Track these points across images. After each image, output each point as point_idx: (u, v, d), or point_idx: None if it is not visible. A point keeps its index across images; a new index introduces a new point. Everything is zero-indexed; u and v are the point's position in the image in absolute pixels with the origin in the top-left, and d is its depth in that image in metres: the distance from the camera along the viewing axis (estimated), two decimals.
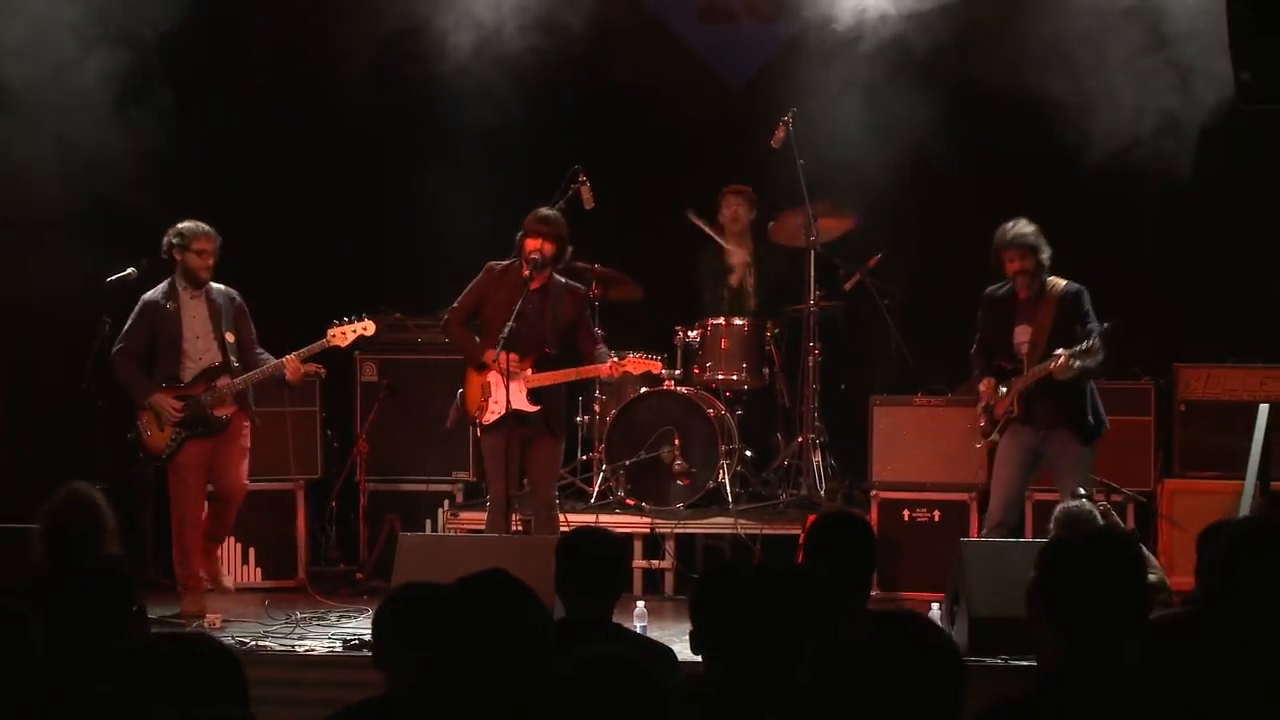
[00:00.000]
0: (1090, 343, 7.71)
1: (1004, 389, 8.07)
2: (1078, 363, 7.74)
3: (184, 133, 9.41)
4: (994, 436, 8.15)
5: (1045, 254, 8.02)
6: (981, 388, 8.20)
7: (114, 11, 8.95)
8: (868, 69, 9.96)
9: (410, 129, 10.36)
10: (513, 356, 8.01)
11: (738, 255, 10.11)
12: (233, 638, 7.61)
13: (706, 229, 10.06)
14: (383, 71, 10.19)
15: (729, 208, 10.16)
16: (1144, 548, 8.02)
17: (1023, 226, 8.03)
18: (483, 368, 8.15)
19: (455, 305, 8.34)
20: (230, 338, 8.35)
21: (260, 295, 8.91)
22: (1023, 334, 8.08)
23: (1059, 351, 7.79)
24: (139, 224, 8.99)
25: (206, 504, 8.51)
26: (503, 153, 10.24)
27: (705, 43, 10.88)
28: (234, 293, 8.49)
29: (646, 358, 8.44)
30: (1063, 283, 8.05)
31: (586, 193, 9.34)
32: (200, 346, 8.34)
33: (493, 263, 8.32)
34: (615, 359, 8.30)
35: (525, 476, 8.30)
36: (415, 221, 10.28)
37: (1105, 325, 7.79)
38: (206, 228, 8.33)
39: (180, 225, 8.33)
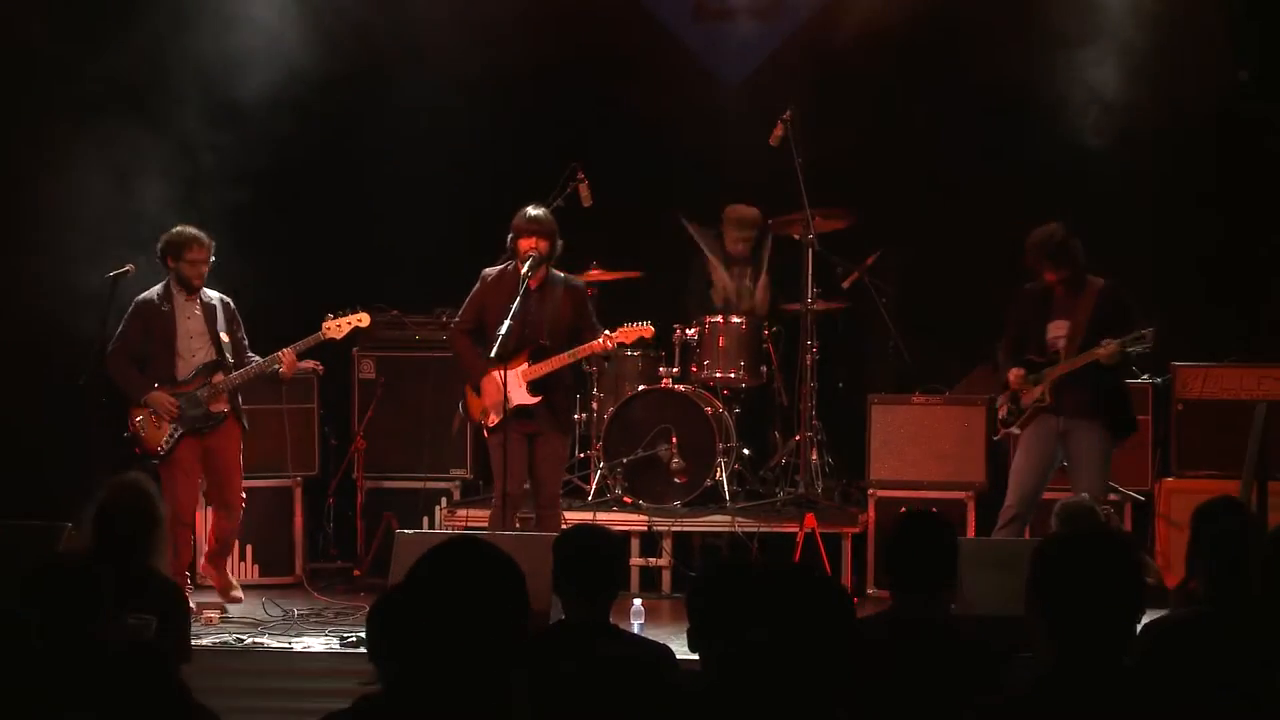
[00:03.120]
0: (1145, 332, 7.71)
1: (1034, 380, 8.03)
2: (1130, 350, 7.74)
3: (183, 130, 9.41)
4: (1014, 429, 8.12)
5: (1079, 256, 7.96)
6: (1010, 376, 8.10)
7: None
8: (866, 66, 9.97)
9: (407, 127, 10.34)
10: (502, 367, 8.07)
11: (724, 281, 10.12)
12: (230, 635, 7.62)
13: (696, 237, 10.07)
14: (380, 70, 10.18)
15: (734, 242, 10.13)
16: (1142, 551, 8.08)
17: (1052, 232, 7.96)
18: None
19: (458, 319, 8.40)
20: (226, 338, 8.39)
21: (257, 294, 8.92)
22: (1058, 328, 8.01)
23: (1108, 340, 7.77)
24: (137, 221, 8.99)
25: (212, 526, 8.60)
26: (500, 150, 10.24)
27: (701, 41, 10.88)
28: (227, 298, 8.53)
29: (637, 325, 8.43)
30: (1101, 280, 8.00)
31: (585, 190, 9.36)
32: (195, 346, 8.39)
33: (487, 270, 8.35)
34: (607, 332, 8.29)
35: (531, 474, 8.28)
36: (413, 219, 10.27)
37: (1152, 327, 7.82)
38: (199, 234, 8.36)
39: (173, 231, 8.37)
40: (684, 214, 10.14)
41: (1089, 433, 7.94)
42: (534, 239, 8.11)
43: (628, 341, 8.53)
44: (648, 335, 8.57)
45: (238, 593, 8.62)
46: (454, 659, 2.93)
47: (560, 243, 8.25)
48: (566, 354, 8.23)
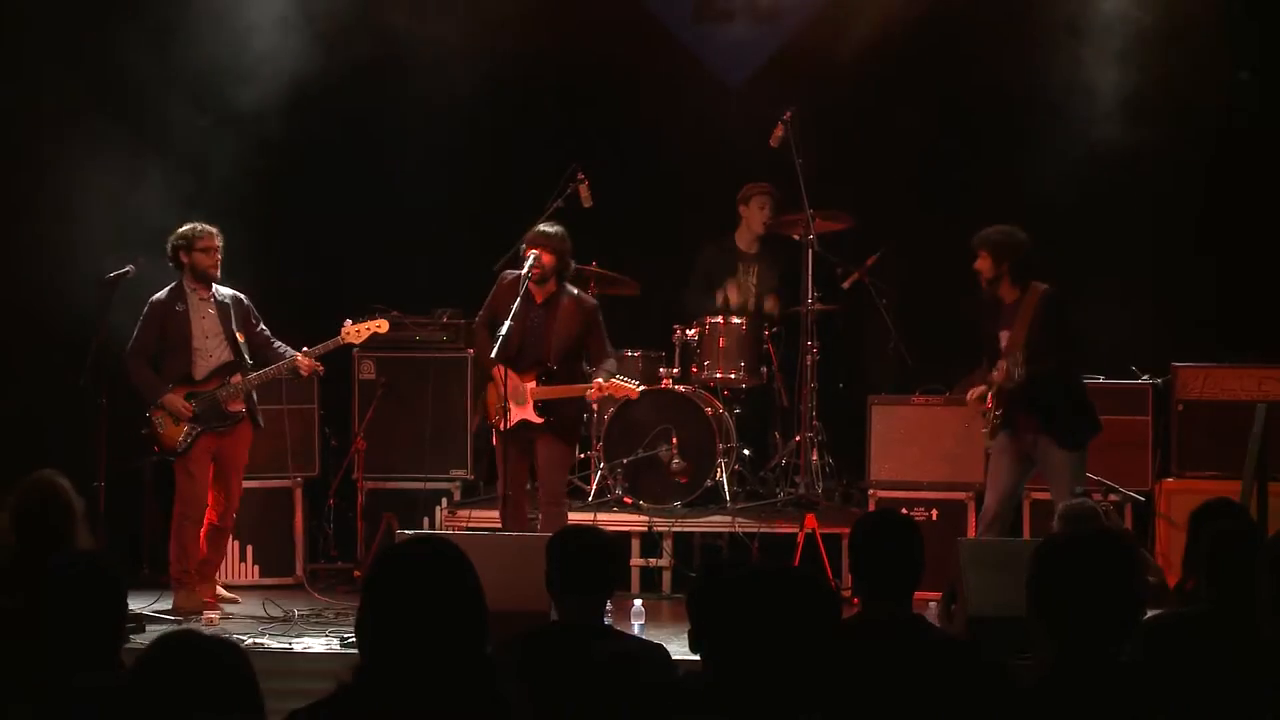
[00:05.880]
0: (1020, 359, 7.71)
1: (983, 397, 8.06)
2: (1018, 372, 7.74)
3: (181, 130, 9.41)
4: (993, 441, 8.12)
5: (1008, 262, 7.91)
6: (969, 399, 8.14)
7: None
8: (866, 68, 9.96)
9: (408, 128, 10.34)
10: (513, 374, 8.10)
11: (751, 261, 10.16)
12: (230, 635, 7.61)
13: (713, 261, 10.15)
14: (381, 72, 10.18)
15: (761, 208, 10.14)
16: (1144, 550, 8.08)
17: (993, 230, 7.96)
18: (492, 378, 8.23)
19: (480, 314, 8.49)
20: (240, 337, 8.42)
21: (258, 294, 8.91)
22: (1005, 338, 8.05)
23: (1001, 363, 7.79)
24: (138, 222, 9.00)
25: (206, 521, 8.57)
26: (501, 152, 10.24)
27: (701, 43, 10.88)
28: (240, 295, 8.56)
29: (625, 382, 8.37)
30: (1044, 287, 7.96)
31: (585, 191, 9.37)
32: (211, 345, 8.43)
33: (506, 271, 8.41)
34: (601, 381, 8.25)
35: (533, 474, 8.34)
36: (413, 220, 10.27)
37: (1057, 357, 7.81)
38: (208, 226, 8.42)
39: (182, 228, 8.41)
40: (707, 241, 10.21)
41: (1046, 448, 7.91)
42: (537, 249, 8.15)
43: (617, 396, 8.50)
44: (633, 396, 8.49)
45: (226, 595, 8.62)
46: (409, 653, 2.98)
47: (572, 263, 8.30)
48: (573, 387, 8.25)
